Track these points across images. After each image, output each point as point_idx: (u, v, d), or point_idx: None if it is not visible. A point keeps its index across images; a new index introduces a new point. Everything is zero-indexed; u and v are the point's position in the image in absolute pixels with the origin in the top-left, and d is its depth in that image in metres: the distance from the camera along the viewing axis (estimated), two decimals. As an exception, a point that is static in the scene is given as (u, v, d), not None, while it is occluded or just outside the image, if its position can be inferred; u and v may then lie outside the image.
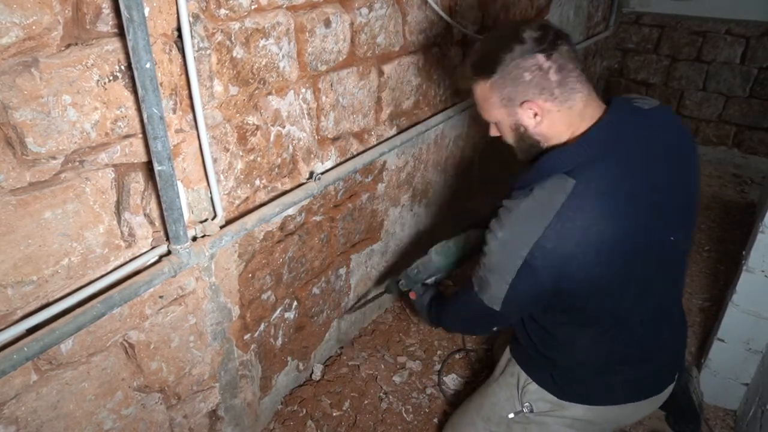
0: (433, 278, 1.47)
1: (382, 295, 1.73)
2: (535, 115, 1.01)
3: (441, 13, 1.64)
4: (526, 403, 1.27)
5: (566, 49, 0.99)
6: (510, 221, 1.00)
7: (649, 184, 1.01)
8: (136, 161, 0.94)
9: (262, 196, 1.25)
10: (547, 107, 1.00)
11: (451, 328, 1.48)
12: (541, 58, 0.97)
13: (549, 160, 1.01)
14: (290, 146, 1.28)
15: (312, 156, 1.37)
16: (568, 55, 0.99)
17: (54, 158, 0.81)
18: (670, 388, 1.25)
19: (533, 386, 1.26)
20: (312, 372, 1.72)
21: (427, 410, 1.63)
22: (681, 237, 1.08)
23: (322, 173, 1.36)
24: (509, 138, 1.10)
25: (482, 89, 1.05)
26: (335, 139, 1.43)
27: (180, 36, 0.92)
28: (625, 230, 0.98)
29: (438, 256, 1.45)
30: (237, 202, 1.19)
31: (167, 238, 1.02)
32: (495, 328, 1.27)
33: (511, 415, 1.29)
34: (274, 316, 1.44)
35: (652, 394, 1.22)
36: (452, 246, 1.46)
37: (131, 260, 0.98)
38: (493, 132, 1.13)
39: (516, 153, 1.14)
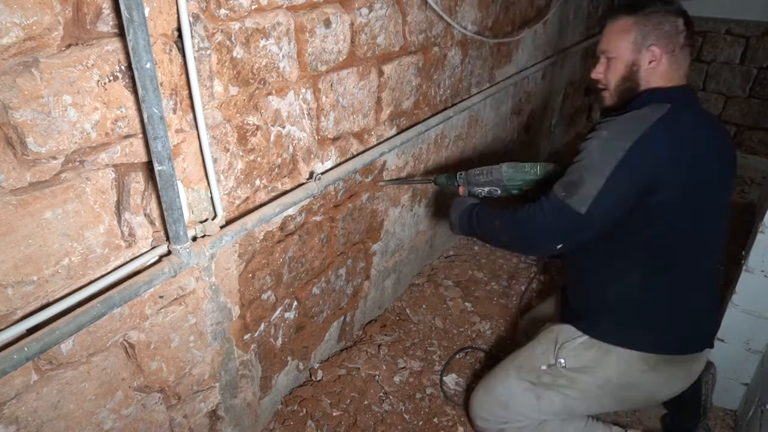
0: (487, 190, 1.48)
1: (428, 183, 1.71)
2: (651, 61, 1.22)
3: (441, 13, 1.64)
4: (561, 359, 1.32)
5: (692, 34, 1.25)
6: (612, 126, 1.17)
7: (717, 149, 1.21)
8: (136, 161, 0.94)
9: (262, 196, 1.26)
10: (664, 59, 1.21)
11: (496, 237, 1.39)
12: (681, 23, 1.21)
13: (648, 94, 1.22)
14: (290, 146, 1.29)
15: (312, 156, 1.37)
16: (692, 39, 1.25)
17: (54, 158, 0.81)
18: (700, 359, 1.31)
19: (572, 344, 1.32)
20: (312, 372, 1.72)
21: (427, 410, 1.63)
22: (727, 200, 1.27)
23: (322, 173, 1.36)
24: (615, 75, 1.28)
25: (625, 23, 1.25)
26: (335, 139, 1.44)
27: (180, 36, 0.92)
28: (708, 162, 1.16)
29: (509, 169, 1.45)
30: (237, 202, 1.19)
31: (167, 238, 1.02)
32: (559, 245, 1.22)
33: (544, 367, 1.35)
34: (274, 316, 1.44)
35: (680, 351, 1.28)
36: (526, 167, 1.45)
37: (131, 260, 0.98)
38: (599, 71, 1.32)
39: (602, 98, 1.33)
